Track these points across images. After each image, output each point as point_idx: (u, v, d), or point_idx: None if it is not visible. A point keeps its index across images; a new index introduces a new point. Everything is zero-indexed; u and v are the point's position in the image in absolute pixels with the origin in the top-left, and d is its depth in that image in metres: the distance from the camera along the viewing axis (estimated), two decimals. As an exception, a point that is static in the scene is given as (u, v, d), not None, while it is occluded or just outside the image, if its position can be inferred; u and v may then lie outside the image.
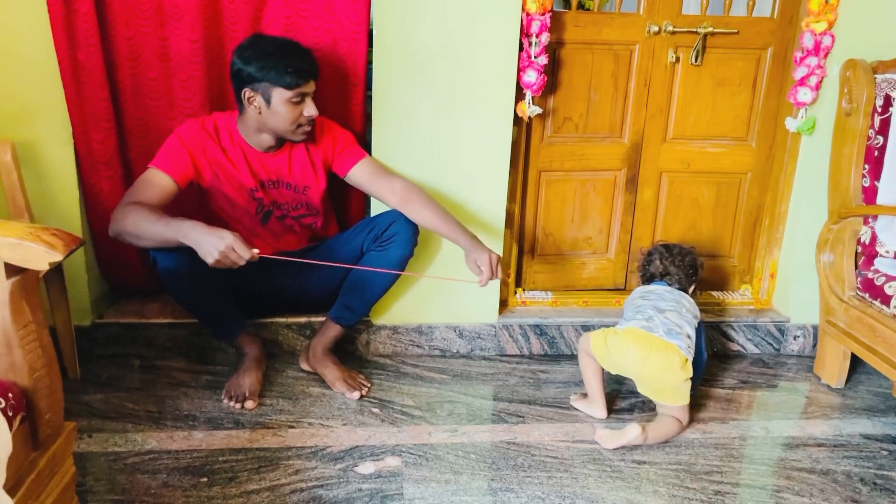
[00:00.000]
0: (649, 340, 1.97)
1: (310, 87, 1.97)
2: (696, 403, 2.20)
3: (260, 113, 1.97)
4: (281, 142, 2.08)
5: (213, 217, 2.11)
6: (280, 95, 1.93)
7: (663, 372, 1.96)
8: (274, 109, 1.95)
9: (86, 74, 2.05)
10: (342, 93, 2.28)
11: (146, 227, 1.80)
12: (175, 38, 2.14)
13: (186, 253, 1.79)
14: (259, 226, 2.16)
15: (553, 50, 2.34)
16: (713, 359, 2.50)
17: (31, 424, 1.32)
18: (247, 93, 1.95)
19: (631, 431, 1.93)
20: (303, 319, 2.34)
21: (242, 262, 1.72)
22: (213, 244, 1.70)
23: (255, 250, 1.74)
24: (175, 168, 1.96)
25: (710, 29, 2.37)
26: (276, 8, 2.18)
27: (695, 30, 2.38)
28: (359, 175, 2.14)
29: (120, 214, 1.85)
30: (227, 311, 2.14)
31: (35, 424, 1.33)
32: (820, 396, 2.32)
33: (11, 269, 1.24)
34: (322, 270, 2.09)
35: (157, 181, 1.94)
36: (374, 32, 2.13)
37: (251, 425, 1.98)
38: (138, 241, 1.86)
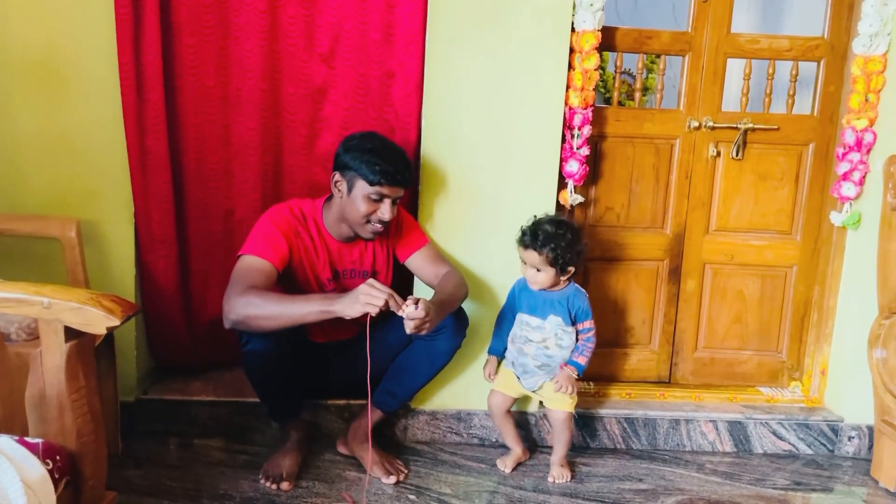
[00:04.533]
0: None
1: (393, 192, 2.01)
2: None
3: (341, 198, 2.04)
4: (357, 234, 2.12)
5: None
6: (361, 188, 1.99)
7: None
8: (352, 198, 2.01)
9: (151, 159, 2.17)
10: None
11: (278, 311, 1.85)
12: (236, 125, 2.28)
13: (275, 338, 1.92)
14: None
15: (595, 142, 2.40)
16: (763, 457, 2.41)
17: (74, 490, 1.33)
18: (336, 175, 2.04)
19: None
20: (342, 402, 2.34)
21: (381, 302, 1.77)
22: (354, 300, 1.79)
23: (387, 288, 1.81)
24: (273, 253, 1.98)
25: (751, 125, 2.42)
26: (336, 101, 2.30)
27: (735, 125, 2.43)
28: (417, 261, 2.19)
29: (240, 303, 1.85)
30: (292, 395, 2.16)
31: (78, 490, 1.34)
32: (878, 501, 2.19)
33: (70, 333, 1.29)
34: (373, 355, 2.11)
35: (260, 267, 1.95)
36: (423, 124, 2.23)
37: (286, 507, 1.96)
38: (267, 324, 1.86)
